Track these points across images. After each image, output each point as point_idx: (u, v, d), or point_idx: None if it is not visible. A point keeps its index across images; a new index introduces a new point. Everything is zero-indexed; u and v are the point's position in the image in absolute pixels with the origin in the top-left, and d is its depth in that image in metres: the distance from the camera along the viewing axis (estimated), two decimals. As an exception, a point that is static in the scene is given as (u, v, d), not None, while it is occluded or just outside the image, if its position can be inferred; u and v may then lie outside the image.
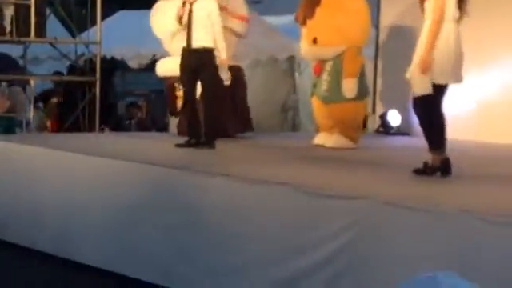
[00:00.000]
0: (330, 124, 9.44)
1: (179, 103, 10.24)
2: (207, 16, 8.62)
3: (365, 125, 10.36)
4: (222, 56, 8.67)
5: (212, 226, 6.55)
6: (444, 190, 6.43)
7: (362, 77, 9.46)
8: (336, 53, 9.29)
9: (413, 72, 6.82)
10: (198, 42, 8.64)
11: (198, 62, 8.65)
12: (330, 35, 9.31)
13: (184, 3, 8.68)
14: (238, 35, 10.33)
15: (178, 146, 8.69)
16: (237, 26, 10.21)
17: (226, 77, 8.72)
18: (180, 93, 10.15)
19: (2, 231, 8.40)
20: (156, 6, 10.58)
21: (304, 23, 9.55)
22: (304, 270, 5.89)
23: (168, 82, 10.56)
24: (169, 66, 10.32)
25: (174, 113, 10.78)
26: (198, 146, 8.64)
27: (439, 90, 6.85)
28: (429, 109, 6.87)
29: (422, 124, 6.94)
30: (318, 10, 9.42)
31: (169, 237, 6.85)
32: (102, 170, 7.55)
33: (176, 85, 10.29)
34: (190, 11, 8.63)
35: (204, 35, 8.63)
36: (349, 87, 9.26)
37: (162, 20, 10.10)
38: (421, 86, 6.80)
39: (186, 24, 8.64)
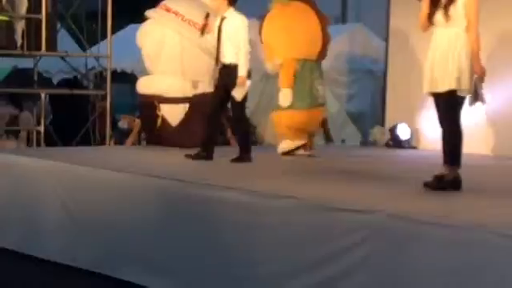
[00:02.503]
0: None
1: (159, 122, 10.53)
2: (235, 32, 8.72)
3: (327, 133, 10.57)
4: (240, 73, 8.71)
5: (225, 239, 6.58)
6: (457, 203, 6.43)
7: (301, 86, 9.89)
8: (274, 67, 10.08)
9: (467, 84, 6.73)
10: (226, 58, 8.75)
11: (227, 77, 8.75)
12: (267, 50, 10.19)
13: (207, 15, 8.78)
14: None
15: (188, 156, 8.77)
16: None
17: (239, 93, 8.76)
18: (160, 113, 10.37)
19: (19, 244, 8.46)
20: (146, 27, 10.87)
21: None
22: (319, 285, 5.91)
23: (147, 99, 10.71)
24: (151, 84, 10.68)
25: (151, 131, 10.94)
26: (207, 159, 8.73)
27: (462, 101, 6.86)
28: (456, 121, 6.86)
29: (447, 136, 6.90)
30: (265, 26, 10.20)
31: (185, 249, 6.88)
32: (116, 183, 7.58)
33: (156, 103, 10.53)
34: (220, 27, 8.73)
35: (232, 51, 8.73)
36: (282, 97, 9.90)
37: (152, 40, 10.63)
38: (482, 97, 6.78)
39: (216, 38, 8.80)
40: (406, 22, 11.37)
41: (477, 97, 6.76)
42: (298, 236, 6.10)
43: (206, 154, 8.81)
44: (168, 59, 10.54)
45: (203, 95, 10.44)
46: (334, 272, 5.82)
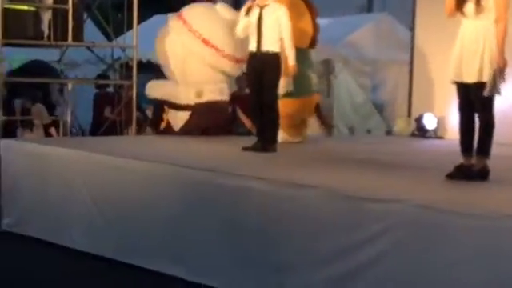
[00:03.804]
0: None
1: (163, 124, 10.78)
2: (276, 21, 8.77)
3: (322, 119, 10.60)
4: (290, 62, 8.79)
5: (251, 229, 6.61)
6: (483, 193, 6.42)
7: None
8: None
9: (491, 74, 6.72)
10: (265, 46, 8.78)
11: (263, 65, 8.78)
12: None
13: None
14: (227, 75, 10.71)
15: (245, 149, 8.77)
16: (228, 67, 10.56)
17: (285, 83, 8.79)
18: (166, 116, 10.47)
19: (47, 233, 8.53)
20: (159, 32, 11.01)
21: None
22: (344, 274, 5.93)
23: (157, 101, 11.00)
24: (161, 90, 10.87)
25: (156, 130, 11.23)
26: (262, 150, 8.71)
27: None
28: (489, 112, 6.84)
29: (480, 126, 6.88)
30: None
31: (210, 239, 6.92)
32: (143, 173, 7.61)
33: (166, 107, 10.73)
34: (260, 15, 8.75)
35: (271, 40, 8.77)
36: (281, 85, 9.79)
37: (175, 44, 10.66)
38: (498, 88, 6.77)
39: (255, 27, 8.78)
40: (432, 10, 11.29)
41: (494, 88, 6.74)
42: (324, 225, 6.11)
43: (262, 145, 8.79)
44: (173, 66, 10.71)
45: (206, 104, 10.47)
46: (359, 261, 5.84)
